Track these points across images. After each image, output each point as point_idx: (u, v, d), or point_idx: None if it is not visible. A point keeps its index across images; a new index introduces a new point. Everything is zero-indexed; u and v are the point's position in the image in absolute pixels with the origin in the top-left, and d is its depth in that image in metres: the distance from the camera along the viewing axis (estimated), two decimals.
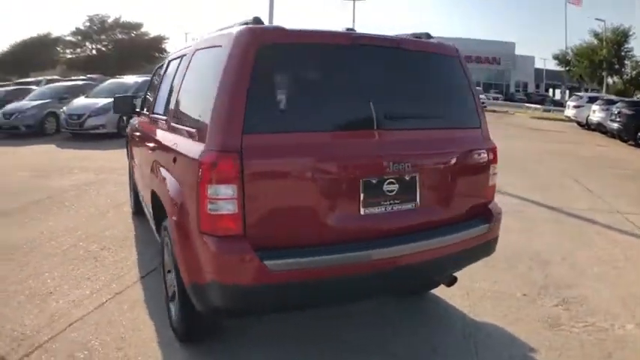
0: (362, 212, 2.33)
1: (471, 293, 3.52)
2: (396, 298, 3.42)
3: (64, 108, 12.62)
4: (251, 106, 2.12)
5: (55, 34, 45.03)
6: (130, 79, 14.72)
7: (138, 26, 46.29)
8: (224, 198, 2.08)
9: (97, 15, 45.62)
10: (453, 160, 2.63)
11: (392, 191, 2.38)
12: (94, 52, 45.37)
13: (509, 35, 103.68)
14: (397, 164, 2.36)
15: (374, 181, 2.34)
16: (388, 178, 2.37)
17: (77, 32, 45.17)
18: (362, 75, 2.42)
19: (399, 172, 2.38)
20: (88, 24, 45.19)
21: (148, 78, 14.30)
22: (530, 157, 10.81)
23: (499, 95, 42.78)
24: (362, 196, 2.31)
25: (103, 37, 45.38)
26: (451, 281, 2.85)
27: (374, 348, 2.79)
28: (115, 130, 12.03)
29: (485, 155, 2.75)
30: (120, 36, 45.74)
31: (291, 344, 2.81)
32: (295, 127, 2.24)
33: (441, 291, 3.47)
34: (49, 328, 2.93)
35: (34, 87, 17.01)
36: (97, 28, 45.22)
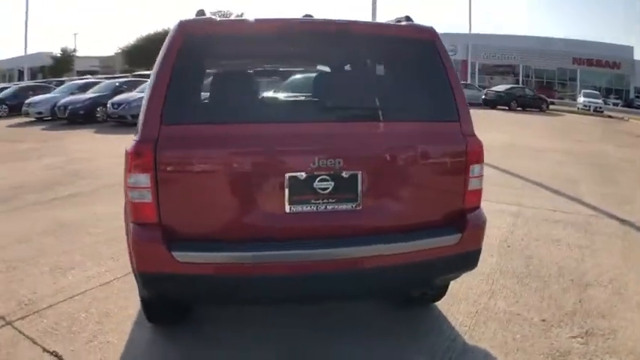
0: (288, 210, 2.13)
1: (482, 312, 3.07)
2: (391, 307, 3.11)
3: None
4: (171, 97, 2.08)
5: None
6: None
7: None
8: (142, 187, 2.08)
9: (220, 11, 47.95)
10: (412, 158, 2.27)
11: (325, 189, 2.13)
12: None
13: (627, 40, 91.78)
14: (325, 159, 2.11)
15: (302, 177, 2.12)
16: (320, 175, 2.12)
17: None
18: (299, 63, 2.21)
19: (331, 168, 2.12)
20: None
21: None
22: (622, 165, 9.36)
23: (618, 101, 38.29)
24: (287, 192, 2.12)
25: None
26: (423, 295, 2.48)
27: (333, 356, 2.56)
28: None
29: (462, 153, 2.30)
30: None
31: (255, 335, 2.70)
32: (217, 119, 2.15)
33: (447, 306, 3.11)
34: (53, 298, 3.14)
35: None
36: None
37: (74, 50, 50.61)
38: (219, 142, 2.11)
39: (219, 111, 2.18)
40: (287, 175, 2.11)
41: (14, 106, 17.63)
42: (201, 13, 2.32)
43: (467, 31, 38.77)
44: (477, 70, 42.45)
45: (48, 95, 17.24)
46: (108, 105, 14.12)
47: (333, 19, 2.35)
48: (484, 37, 42.04)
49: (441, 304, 3.14)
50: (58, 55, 49.18)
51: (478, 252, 2.41)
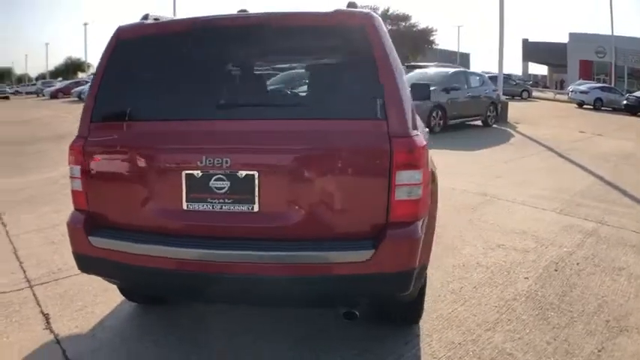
0: (185, 207, 2.07)
1: (466, 344, 2.56)
2: (365, 322, 2.73)
3: None
4: (100, 97, 2.24)
5: None
6: (435, 70, 13.97)
7: (406, 18, 45.16)
8: (76, 177, 2.26)
9: (367, 6, 47.45)
10: (320, 160, 1.97)
11: (221, 188, 2.01)
12: None
13: None
14: (213, 159, 1.98)
15: (198, 175, 2.03)
16: (215, 174, 2.00)
17: None
18: (214, 61, 2.19)
19: (225, 168, 1.99)
20: None
21: (459, 69, 14.03)
22: None
23: None
24: (184, 189, 2.06)
25: None
26: (348, 314, 2.11)
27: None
28: (425, 123, 11.37)
29: (384, 157, 1.91)
30: (389, 27, 44.45)
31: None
32: (129, 117, 2.20)
33: (431, 330, 2.69)
34: (75, 270, 3.44)
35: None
36: None
37: None
38: (128, 138, 2.17)
39: (132, 109, 2.20)
40: (184, 172, 2.05)
41: None
42: (144, 17, 2.36)
43: (619, 34, 33.74)
44: (625, 73, 36.40)
45: None
46: None
47: (258, 12, 2.19)
48: (634, 40, 35.90)
49: (426, 327, 2.72)
50: None
51: (403, 275, 1.97)
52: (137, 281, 2.29)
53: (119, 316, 2.87)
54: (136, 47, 2.26)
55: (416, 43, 43.70)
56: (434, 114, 11.14)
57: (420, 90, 4.83)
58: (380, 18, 2.13)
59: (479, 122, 13.15)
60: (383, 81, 1.94)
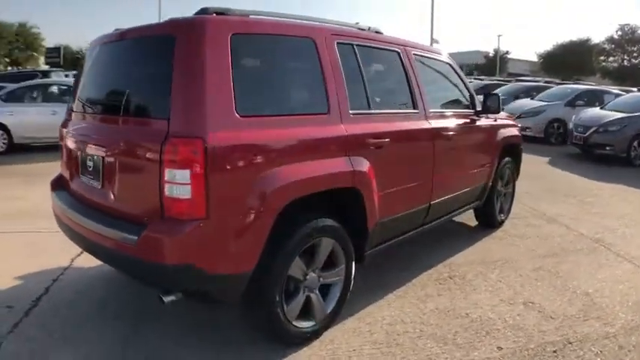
0: (81, 178, 2.66)
1: None
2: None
3: (574, 117, 9.90)
4: (74, 90, 3.01)
5: (594, 40, 42.78)
6: None
7: None
8: (60, 149, 3.05)
9: (628, 25, 41.13)
10: (122, 152, 2.31)
11: (90, 167, 2.53)
12: (624, 62, 41.48)
13: None
14: (79, 143, 2.62)
15: (83, 155, 2.60)
16: (88, 155, 2.54)
17: (610, 40, 42.10)
18: (96, 70, 2.76)
19: (86, 151, 2.52)
20: (620, 33, 41.51)
21: None
22: None
23: None
24: (80, 165, 2.65)
25: (634, 48, 41.07)
26: (160, 297, 2.14)
27: None
28: (624, 154, 8.71)
29: (156, 154, 2.04)
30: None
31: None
32: (69, 108, 3.02)
33: None
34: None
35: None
36: (628, 39, 41.21)
37: (506, 52, 47.09)
38: (66, 123, 2.93)
39: (70, 102, 3.00)
40: (79, 152, 2.67)
41: None
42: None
43: None
44: None
45: None
46: None
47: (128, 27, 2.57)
48: None
49: (304, 354, 2.43)
50: (491, 54, 46.79)
51: (160, 268, 2.02)
52: (65, 234, 2.79)
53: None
54: (84, 56, 3.02)
55: None
56: (635, 144, 8.71)
57: (490, 100, 4.16)
58: (219, 26, 2.16)
59: None
60: (174, 84, 2.04)
